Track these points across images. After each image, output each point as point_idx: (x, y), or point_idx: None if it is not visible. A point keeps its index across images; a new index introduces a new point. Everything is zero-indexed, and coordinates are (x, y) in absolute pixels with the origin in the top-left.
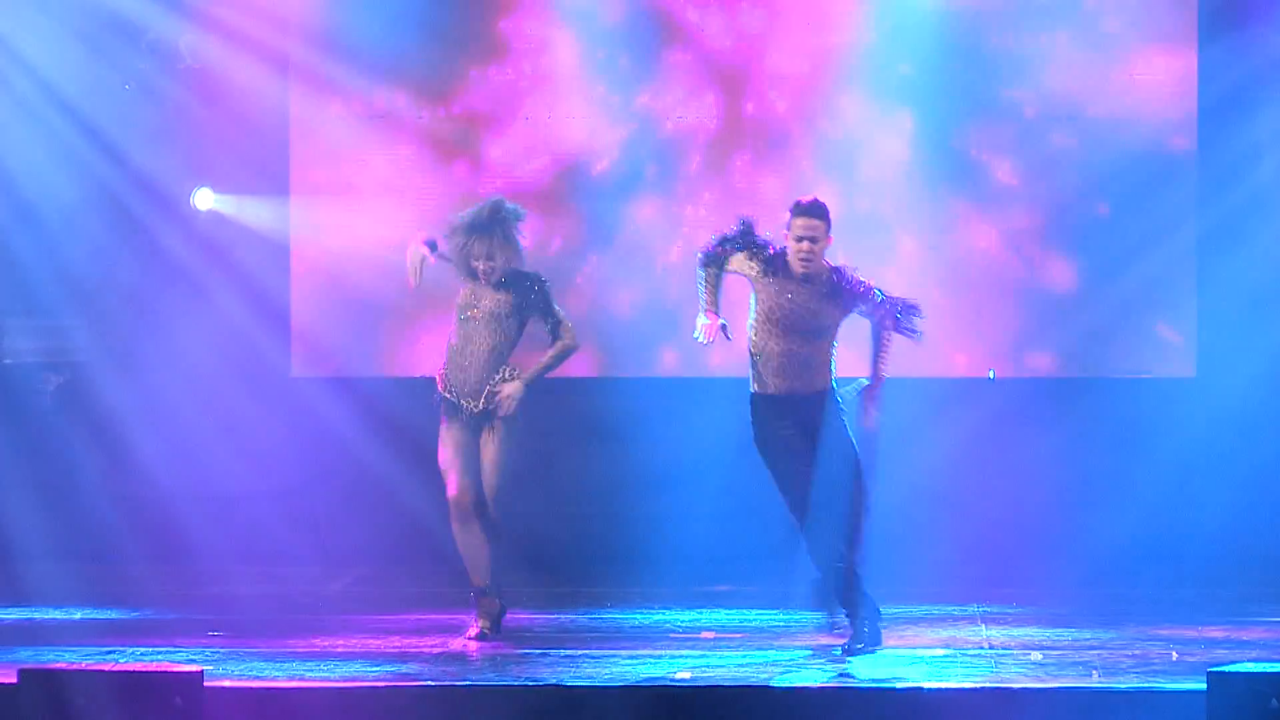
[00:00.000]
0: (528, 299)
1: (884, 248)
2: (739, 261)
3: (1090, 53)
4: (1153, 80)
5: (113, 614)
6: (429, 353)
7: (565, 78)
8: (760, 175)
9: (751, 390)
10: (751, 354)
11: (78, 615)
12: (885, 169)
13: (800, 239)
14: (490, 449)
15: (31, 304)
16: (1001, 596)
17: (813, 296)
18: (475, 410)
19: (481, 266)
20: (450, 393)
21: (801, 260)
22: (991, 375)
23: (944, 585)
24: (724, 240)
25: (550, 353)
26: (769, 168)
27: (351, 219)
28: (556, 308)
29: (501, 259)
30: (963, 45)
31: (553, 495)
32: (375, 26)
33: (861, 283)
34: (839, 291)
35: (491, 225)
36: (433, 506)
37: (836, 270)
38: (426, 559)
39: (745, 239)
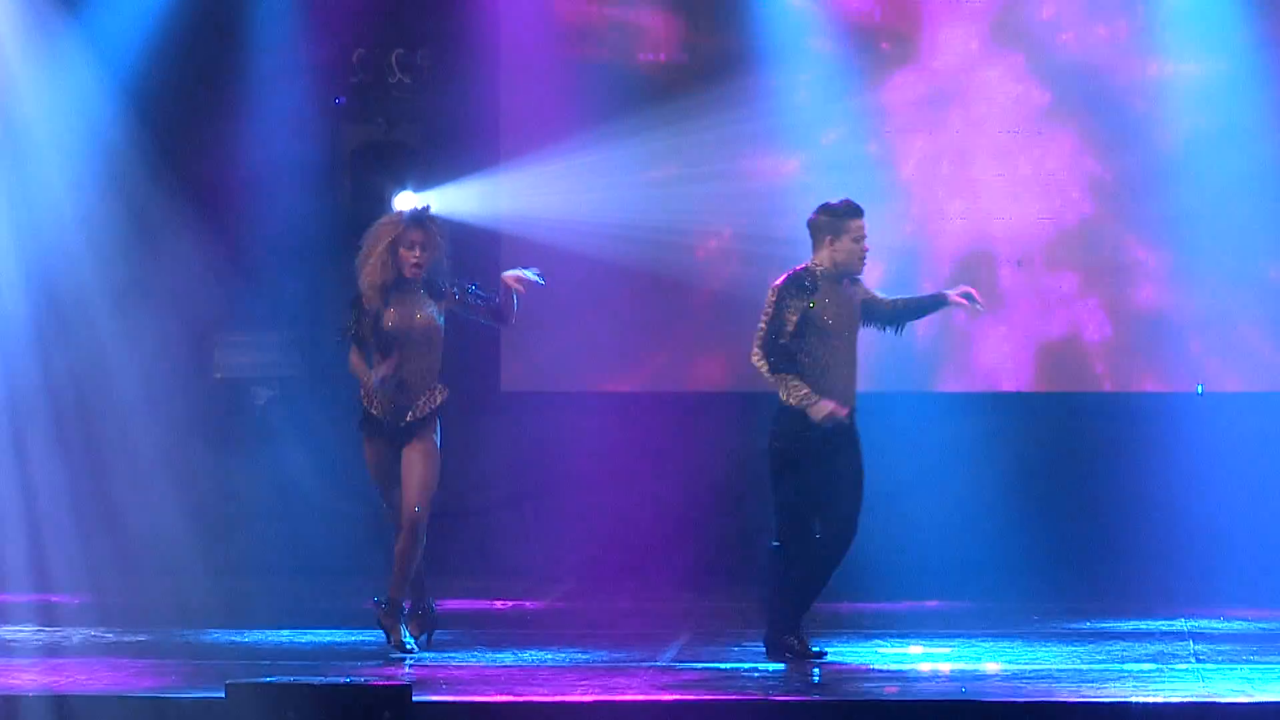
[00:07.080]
0: (444, 292)
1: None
2: (791, 323)
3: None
4: None
5: (322, 633)
6: (652, 366)
7: None
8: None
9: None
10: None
11: (285, 634)
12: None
13: (859, 239)
14: (418, 461)
15: (239, 320)
16: (1209, 610)
17: (847, 289)
18: (400, 425)
19: (414, 257)
20: (380, 412)
21: (861, 259)
22: (1200, 390)
23: (1151, 600)
24: (775, 339)
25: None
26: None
27: (567, 206)
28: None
29: (428, 255)
30: None
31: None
32: None
33: None
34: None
35: (423, 218)
36: (642, 521)
37: None
38: (632, 573)
39: (785, 310)
